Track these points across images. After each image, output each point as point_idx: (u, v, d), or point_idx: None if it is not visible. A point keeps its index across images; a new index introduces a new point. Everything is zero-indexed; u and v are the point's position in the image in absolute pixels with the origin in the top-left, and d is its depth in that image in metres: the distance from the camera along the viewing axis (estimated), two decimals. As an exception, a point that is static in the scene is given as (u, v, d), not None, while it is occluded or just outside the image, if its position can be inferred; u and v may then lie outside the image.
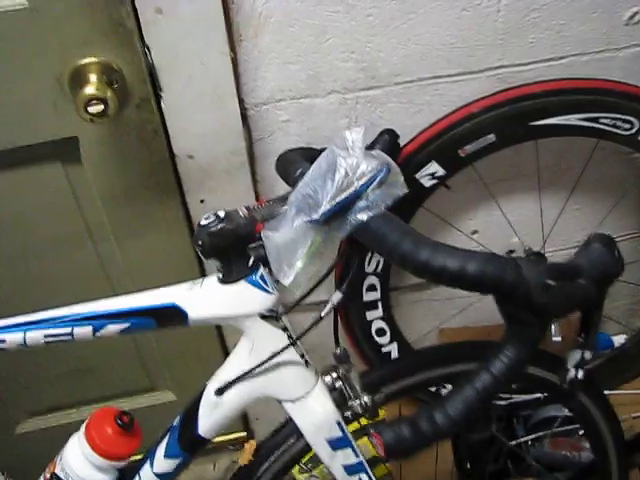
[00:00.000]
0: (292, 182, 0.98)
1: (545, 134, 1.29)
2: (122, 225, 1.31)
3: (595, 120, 1.25)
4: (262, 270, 0.87)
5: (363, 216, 0.79)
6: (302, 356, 0.92)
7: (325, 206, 0.77)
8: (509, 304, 0.69)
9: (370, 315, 1.48)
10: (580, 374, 0.86)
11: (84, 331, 0.86)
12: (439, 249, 0.69)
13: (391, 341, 1.54)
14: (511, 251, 1.59)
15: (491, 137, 1.26)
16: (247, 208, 0.86)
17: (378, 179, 0.79)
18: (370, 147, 1.16)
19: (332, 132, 1.26)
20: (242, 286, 0.86)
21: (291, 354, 0.90)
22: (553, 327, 1.40)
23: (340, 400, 0.94)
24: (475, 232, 1.54)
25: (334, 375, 0.97)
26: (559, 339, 1.40)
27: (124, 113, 1.13)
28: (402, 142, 1.24)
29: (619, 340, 1.87)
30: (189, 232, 1.32)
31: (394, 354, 1.55)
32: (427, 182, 1.30)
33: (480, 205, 1.49)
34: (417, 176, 1.29)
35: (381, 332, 1.52)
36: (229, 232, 0.82)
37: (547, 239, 1.53)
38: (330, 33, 1.14)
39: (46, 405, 1.70)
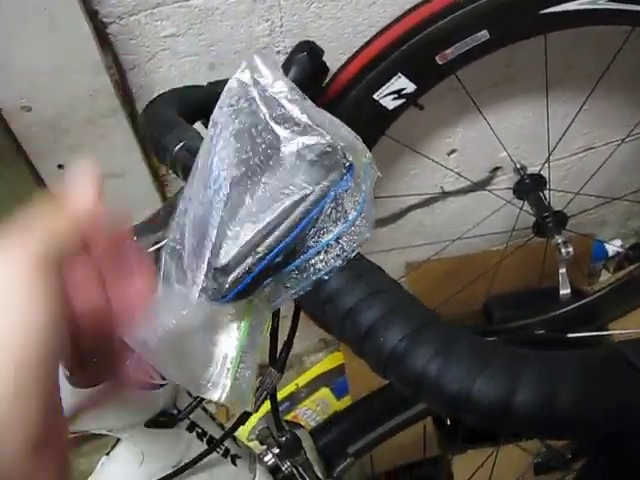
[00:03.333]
0: (171, 165, 0.59)
1: (561, 25, 0.89)
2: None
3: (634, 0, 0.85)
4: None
5: (313, 276, 0.41)
6: (226, 453, 0.58)
7: (234, 274, 0.38)
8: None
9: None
10: None
11: None
12: (497, 367, 0.34)
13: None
14: (496, 168, 1.23)
15: (483, 34, 0.87)
16: None
17: (338, 191, 0.40)
18: (283, 71, 0.75)
19: (247, 45, 0.83)
20: (108, 387, 0.49)
21: (210, 458, 0.56)
22: (561, 277, 1.08)
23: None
24: (453, 152, 1.15)
25: (275, 451, 0.65)
26: (568, 291, 1.08)
27: None
28: (353, 49, 0.83)
29: (614, 246, 1.59)
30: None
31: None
32: (391, 103, 0.92)
33: (459, 119, 1.11)
34: (376, 96, 0.90)
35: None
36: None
37: (545, 149, 1.16)
38: None
39: None
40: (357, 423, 0.74)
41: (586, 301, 1.34)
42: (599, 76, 1.04)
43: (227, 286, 0.38)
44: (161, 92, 0.69)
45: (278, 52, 0.85)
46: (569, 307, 1.33)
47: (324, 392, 1.55)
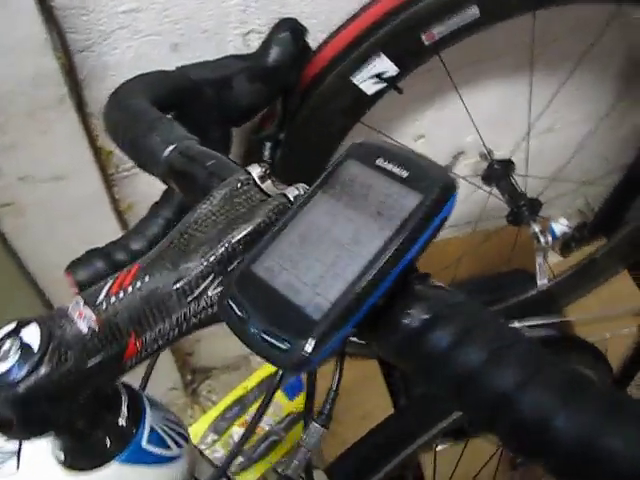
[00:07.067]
0: (159, 172, 0.48)
1: (550, 2, 0.81)
2: None
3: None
4: (154, 418, 0.40)
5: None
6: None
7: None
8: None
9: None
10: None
11: None
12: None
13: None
14: (460, 153, 1.17)
15: (473, 12, 0.79)
16: (90, 302, 0.36)
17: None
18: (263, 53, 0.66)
19: (217, 22, 0.71)
20: (115, 471, 0.39)
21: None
22: (538, 266, 1.03)
23: None
24: (421, 137, 1.08)
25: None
26: (545, 282, 1.04)
27: None
28: (333, 27, 0.74)
29: (563, 226, 1.58)
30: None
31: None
32: (371, 87, 0.84)
33: (430, 102, 1.02)
34: (356, 80, 0.81)
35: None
36: (67, 379, 0.34)
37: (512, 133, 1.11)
38: None
39: None
40: (369, 458, 0.66)
41: (549, 286, 1.31)
42: (573, 62, 0.99)
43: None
44: (128, 79, 0.57)
45: (251, 31, 0.74)
46: (531, 293, 1.30)
47: (277, 394, 1.46)
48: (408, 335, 0.31)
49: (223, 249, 0.37)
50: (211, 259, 0.37)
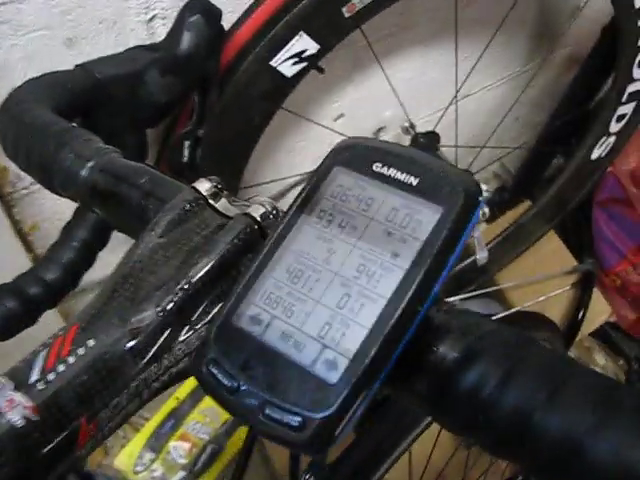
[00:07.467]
0: (78, 194, 0.42)
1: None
2: None
3: None
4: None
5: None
6: None
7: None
8: None
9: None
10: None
11: None
12: None
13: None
14: (380, 129, 1.12)
15: (396, -22, 0.72)
16: (21, 385, 0.29)
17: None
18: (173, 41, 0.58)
19: (116, 9, 0.61)
20: None
21: None
22: (476, 242, 0.99)
23: None
24: (340, 117, 1.02)
25: None
26: (485, 255, 1.00)
27: None
28: (245, 5, 0.67)
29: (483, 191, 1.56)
30: None
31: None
32: (290, 69, 0.77)
33: (348, 79, 0.96)
34: (274, 62, 0.74)
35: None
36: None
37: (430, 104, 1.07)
38: None
39: None
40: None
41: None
42: (493, 24, 0.96)
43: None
44: (20, 85, 0.48)
45: (155, 16, 0.65)
46: (462, 264, 1.28)
47: (210, 400, 1.38)
48: (438, 379, 0.25)
49: (182, 293, 0.30)
50: (169, 307, 0.30)
